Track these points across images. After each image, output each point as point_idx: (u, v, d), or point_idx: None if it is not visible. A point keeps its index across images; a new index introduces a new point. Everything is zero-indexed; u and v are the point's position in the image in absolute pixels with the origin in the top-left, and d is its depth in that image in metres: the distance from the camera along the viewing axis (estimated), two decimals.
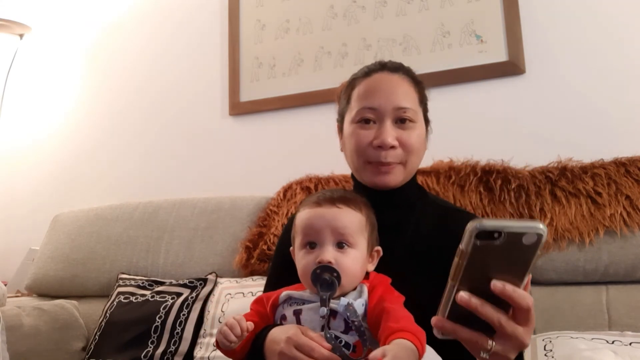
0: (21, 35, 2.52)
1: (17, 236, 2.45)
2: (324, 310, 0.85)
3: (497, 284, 0.64)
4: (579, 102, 1.73)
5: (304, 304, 0.93)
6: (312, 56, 2.09)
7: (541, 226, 0.60)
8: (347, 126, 1.09)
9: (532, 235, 0.60)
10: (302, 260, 0.95)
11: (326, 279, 0.88)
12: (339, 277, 0.88)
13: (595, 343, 1.18)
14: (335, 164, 1.61)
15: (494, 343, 0.67)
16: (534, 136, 1.75)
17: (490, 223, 0.60)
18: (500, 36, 1.82)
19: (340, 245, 0.93)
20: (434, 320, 0.68)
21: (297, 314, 0.92)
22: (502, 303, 0.66)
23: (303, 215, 0.97)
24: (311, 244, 0.94)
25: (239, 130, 2.18)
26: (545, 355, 1.19)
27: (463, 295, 0.64)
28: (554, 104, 1.75)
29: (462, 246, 0.62)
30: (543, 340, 1.24)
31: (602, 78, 1.71)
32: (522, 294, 0.65)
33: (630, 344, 1.17)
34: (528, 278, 0.66)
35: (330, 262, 0.90)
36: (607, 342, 1.19)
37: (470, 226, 0.60)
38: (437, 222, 1.06)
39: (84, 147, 2.45)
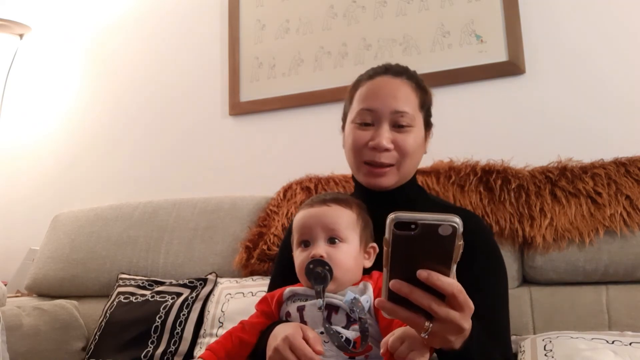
0: (21, 35, 2.53)
1: (17, 236, 2.45)
2: (320, 302, 0.89)
3: (422, 273, 0.68)
4: (578, 102, 1.73)
5: (306, 299, 0.96)
6: (312, 56, 2.08)
7: (456, 219, 0.66)
8: (347, 125, 1.12)
9: (447, 227, 0.66)
10: (298, 258, 0.99)
11: (318, 272, 0.91)
12: (331, 270, 0.92)
13: (595, 343, 1.18)
14: (335, 164, 1.62)
15: (431, 324, 0.71)
16: (534, 136, 1.75)
17: (405, 215, 0.66)
18: (500, 36, 1.82)
19: (332, 240, 0.97)
20: (377, 301, 0.73)
21: (300, 310, 0.95)
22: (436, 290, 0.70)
23: (298, 217, 1.02)
24: (305, 243, 0.99)
25: (239, 130, 2.18)
26: (545, 355, 1.19)
27: (394, 282, 0.69)
28: (554, 104, 1.75)
29: (386, 236, 0.68)
30: (543, 340, 1.24)
31: (602, 78, 1.71)
32: (447, 281, 0.69)
33: (630, 344, 1.17)
34: (454, 268, 0.69)
35: (322, 256, 0.94)
36: (607, 342, 1.19)
37: (389, 218, 0.67)
38: None
39: (84, 147, 2.45)
